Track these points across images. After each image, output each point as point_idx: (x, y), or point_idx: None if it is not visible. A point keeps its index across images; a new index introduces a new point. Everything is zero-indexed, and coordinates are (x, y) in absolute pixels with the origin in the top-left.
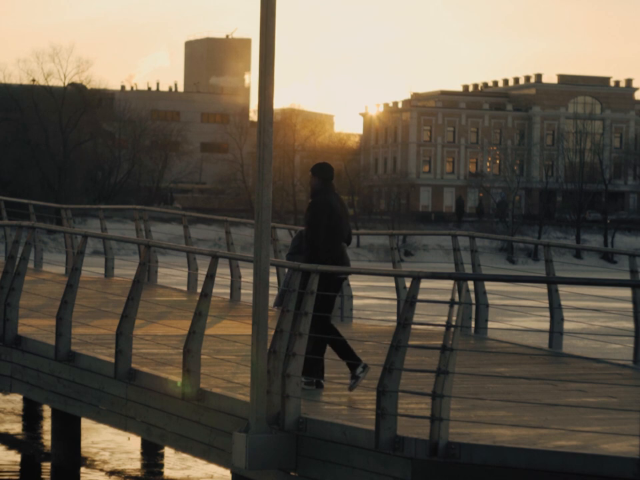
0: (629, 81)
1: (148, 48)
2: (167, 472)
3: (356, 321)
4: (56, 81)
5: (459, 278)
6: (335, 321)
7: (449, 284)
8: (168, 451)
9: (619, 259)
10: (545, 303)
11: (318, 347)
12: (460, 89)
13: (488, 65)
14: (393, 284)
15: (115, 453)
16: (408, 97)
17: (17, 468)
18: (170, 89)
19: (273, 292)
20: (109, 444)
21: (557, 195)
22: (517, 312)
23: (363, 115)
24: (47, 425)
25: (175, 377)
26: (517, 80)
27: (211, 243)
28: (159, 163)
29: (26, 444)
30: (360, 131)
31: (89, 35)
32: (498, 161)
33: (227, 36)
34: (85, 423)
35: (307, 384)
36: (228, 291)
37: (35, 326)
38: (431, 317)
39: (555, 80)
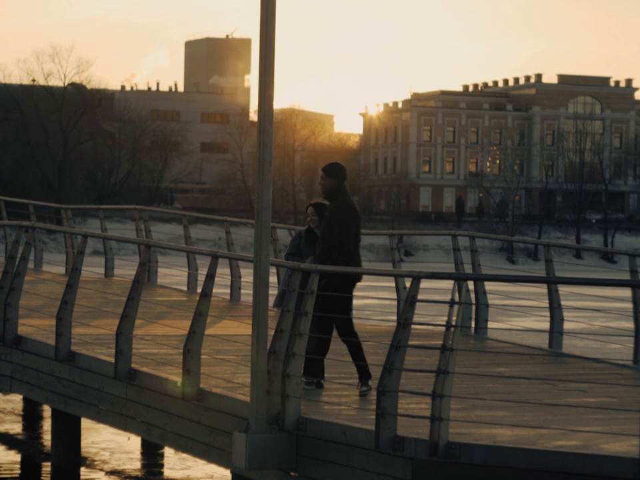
0: (628, 81)
1: (148, 48)
2: (167, 472)
3: (356, 320)
4: (56, 81)
5: (459, 278)
6: None
7: (449, 284)
8: (168, 451)
9: (619, 258)
10: (545, 303)
11: (320, 347)
12: (460, 89)
13: (488, 65)
14: (393, 284)
15: (115, 452)
16: (408, 97)
17: (17, 468)
18: (170, 89)
19: (273, 292)
20: (109, 444)
21: (557, 195)
22: (517, 312)
23: (363, 115)
24: (47, 425)
25: (175, 376)
26: (517, 80)
27: (211, 243)
28: (159, 163)
29: (26, 444)
30: (360, 130)
31: (89, 35)
32: (498, 161)
33: (227, 36)
34: (85, 423)
35: (307, 384)
36: (228, 291)
37: (35, 326)
38: (430, 317)
39: (555, 80)
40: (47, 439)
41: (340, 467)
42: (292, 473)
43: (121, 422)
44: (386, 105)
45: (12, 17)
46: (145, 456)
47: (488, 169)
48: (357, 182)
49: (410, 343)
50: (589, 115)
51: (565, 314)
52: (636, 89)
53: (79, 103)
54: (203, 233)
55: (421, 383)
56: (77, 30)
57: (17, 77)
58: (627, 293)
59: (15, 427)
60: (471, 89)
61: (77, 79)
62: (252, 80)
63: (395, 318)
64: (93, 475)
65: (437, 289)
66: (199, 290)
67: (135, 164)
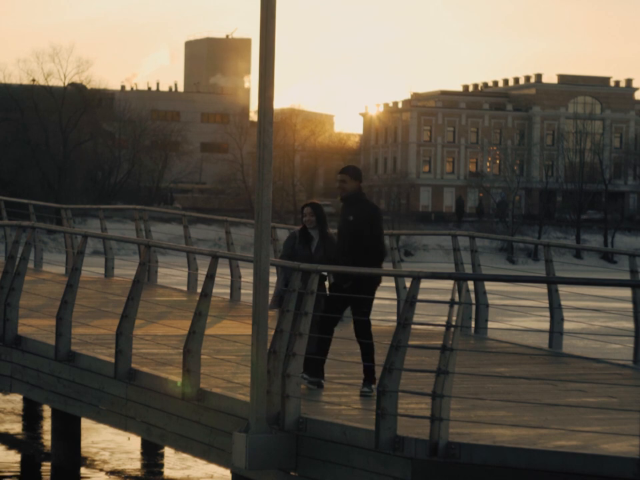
0: (628, 81)
1: (148, 48)
2: (167, 472)
3: None
4: (56, 81)
5: (459, 278)
6: None
7: (449, 284)
8: (168, 451)
9: (619, 258)
10: (545, 303)
11: (322, 346)
12: (460, 89)
13: (488, 65)
14: (393, 284)
15: (115, 452)
16: (408, 97)
17: (17, 468)
18: (170, 89)
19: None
20: (109, 444)
21: (557, 195)
22: (517, 312)
23: (363, 115)
24: (47, 425)
25: (174, 376)
26: (517, 80)
27: (211, 243)
28: (159, 163)
29: (26, 444)
30: (360, 131)
31: (89, 35)
32: (498, 161)
33: (227, 36)
34: (85, 423)
35: (310, 383)
36: (228, 291)
37: (35, 326)
38: (430, 317)
39: (555, 80)
40: (47, 438)
41: (340, 467)
42: (292, 473)
43: (121, 422)
44: (386, 105)
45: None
46: (144, 456)
47: (488, 169)
48: None
49: (410, 342)
50: (588, 114)
51: (565, 314)
52: (636, 89)
53: (79, 103)
54: (203, 233)
55: (421, 383)
56: (77, 30)
57: (17, 76)
58: (627, 292)
59: (15, 427)
60: (471, 89)
61: (77, 79)
62: (252, 80)
63: (395, 318)
64: (93, 475)
65: (437, 289)
66: (199, 290)
67: (135, 164)
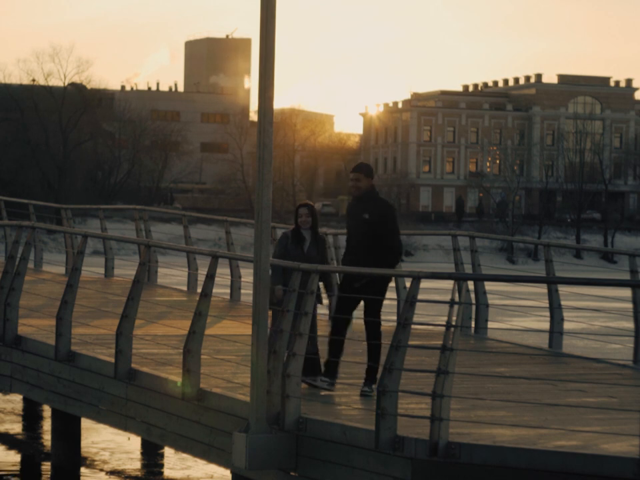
0: (628, 81)
1: (148, 48)
2: (167, 472)
3: (356, 320)
4: (56, 81)
5: (459, 278)
6: None
7: (449, 284)
8: (168, 451)
9: (619, 258)
10: (545, 303)
11: (337, 347)
12: (460, 89)
13: (488, 65)
14: (393, 284)
15: (115, 452)
16: (408, 97)
17: (17, 468)
18: (170, 89)
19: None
20: (109, 444)
21: (557, 195)
22: (517, 312)
23: (363, 115)
24: (47, 425)
25: (175, 376)
26: (517, 80)
27: (211, 243)
28: (159, 163)
29: (26, 444)
30: (360, 131)
31: (89, 35)
32: (498, 161)
33: (227, 36)
34: (85, 423)
35: (331, 385)
36: (228, 291)
37: (35, 326)
38: (431, 317)
39: (555, 80)
40: (47, 438)
41: (340, 467)
42: (292, 473)
43: (121, 422)
44: (386, 105)
45: (12, 17)
46: (144, 456)
47: (488, 169)
48: None
49: (410, 342)
50: (588, 114)
51: (565, 314)
52: (636, 89)
53: (79, 103)
54: (203, 233)
55: (421, 383)
56: (77, 30)
57: (17, 76)
58: (627, 292)
59: (15, 427)
60: (471, 89)
61: (77, 79)
62: (252, 80)
63: (395, 318)
64: (93, 475)
65: (437, 289)
66: (199, 290)
67: (135, 164)
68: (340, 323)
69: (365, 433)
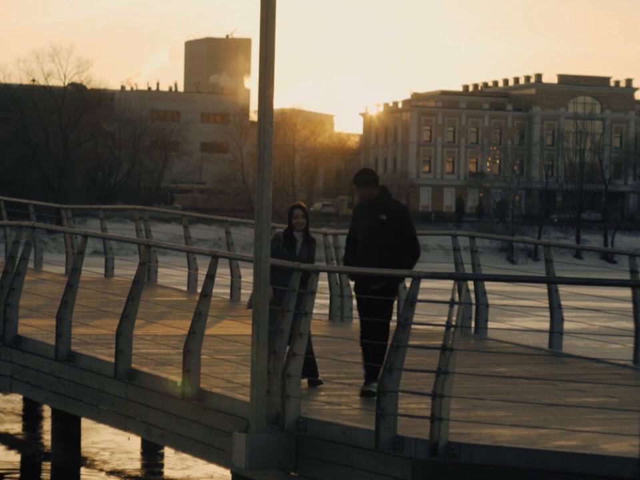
0: (629, 81)
1: (148, 48)
2: (167, 472)
3: (356, 320)
4: (56, 81)
5: (459, 278)
6: (335, 321)
7: (449, 284)
8: (168, 451)
9: (619, 258)
10: (545, 303)
11: (380, 352)
12: (460, 89)
13: (488, 65)
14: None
15: (115, 452)
16: (408, 97)
17: (17, 468)
18: (170, 89)
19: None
20: (109, 444)
21: (557, 195)
22: (517, 312)
23: (363, 115)
24: (47, 425)
25: (174, 376)
26: (517, 80)
27: (211, 243)
28: (159, 163)
29: (26, 444)
30: (360, 131)
31: (89, 35)
32: (498, 161)
33: (227, 36)
34: (85, 423)
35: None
36: (228, 291)
37: (35, 326)
38: (431, 317)
39: (555, 80)
40: (47, 438)
41: (340, 467)
42: (292, 473)
43: (121, 422)
44: (386, 105)
45: (12, 17)
46: (144, 456)
47: (488, 169)
48: None
49: (410, 342)
50: (589, 114)
51: (565, 314)
52: (636, 89)
53: (79, 103)
54: (203, 233)
55: (421, 383)
56: (77, 30)
57: (17, 76)
58: (627, 292)
59: (15, 427)
60: (471, 89)
61: (77, 79)
62: (252, 80)
63: (395, 318)
64: (93, 475)
65: (437, 289)
66: (199, 290)
67: (135, 164)
68: (367, 326)
69: (365, 433)
